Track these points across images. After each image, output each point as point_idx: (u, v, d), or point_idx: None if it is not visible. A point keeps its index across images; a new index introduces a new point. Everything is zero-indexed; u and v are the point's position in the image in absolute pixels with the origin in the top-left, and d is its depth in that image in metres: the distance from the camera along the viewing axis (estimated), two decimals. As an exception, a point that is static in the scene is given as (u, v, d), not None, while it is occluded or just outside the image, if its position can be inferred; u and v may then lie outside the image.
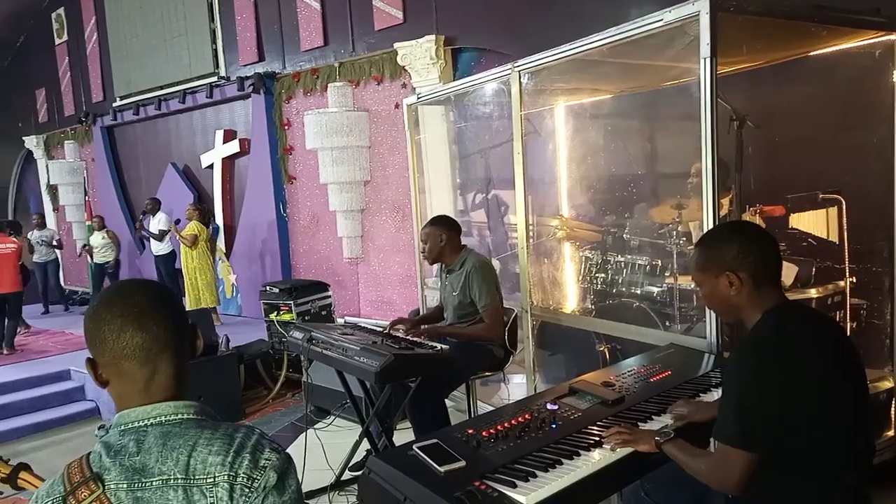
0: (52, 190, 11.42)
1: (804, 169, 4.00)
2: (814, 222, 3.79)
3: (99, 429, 1.20)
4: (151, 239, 8.54)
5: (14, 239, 7.70)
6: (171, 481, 1.10)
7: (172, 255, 8.42)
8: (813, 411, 1.64)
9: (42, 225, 9.66)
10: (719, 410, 1.71)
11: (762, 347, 1.70)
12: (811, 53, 3.71)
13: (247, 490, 1.10)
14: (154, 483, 1.10)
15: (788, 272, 3.60)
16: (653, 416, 2.14)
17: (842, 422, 1.67)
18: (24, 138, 11.89)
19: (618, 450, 1.90)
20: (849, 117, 3.76)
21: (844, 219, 3.66)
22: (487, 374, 3.85)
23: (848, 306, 3.63)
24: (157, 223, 8.56)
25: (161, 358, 1.17)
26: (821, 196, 3.70)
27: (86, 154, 10.88)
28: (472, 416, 3.67)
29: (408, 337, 3.51)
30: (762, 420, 1.62)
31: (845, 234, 3.67)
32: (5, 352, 7.28)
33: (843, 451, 1.67)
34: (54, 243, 9.53)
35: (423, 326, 3.62)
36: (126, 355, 1.15)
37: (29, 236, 9.38)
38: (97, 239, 9.12)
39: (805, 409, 1.64)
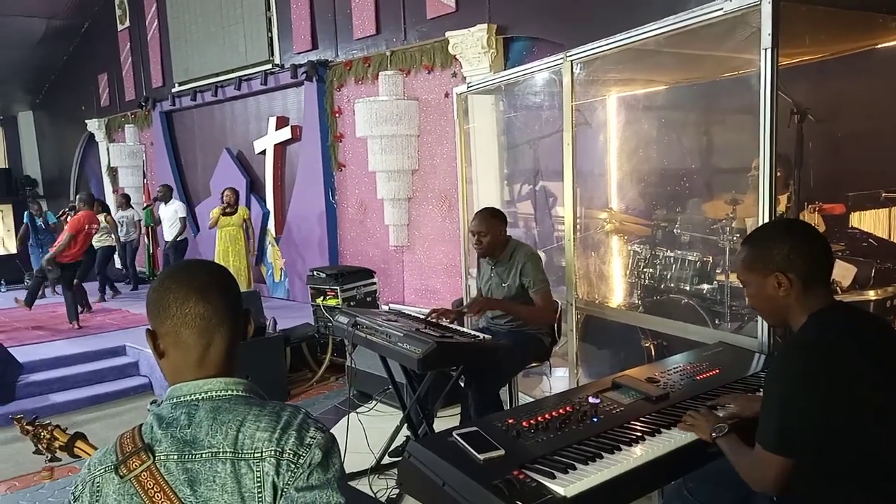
0: (112, 172, 11.81)
1: (867, 166, 3.85)
2: (875, 222, 3.66)
3: (151, 403, 1.24)
4: (163, 225, 8.84)
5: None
6: (220, 454, 1.13)
7: (185, 243, 8.87)
8: (859, 417, 1.59)
9: (126, 205, 9.97)
10: (760, 413, 1.68)
11: (807, 351, 1.65)
12: (878, 46, 3.57)
13: (293, 466, 1.13)
14: (204, 455, 1.13)
15: (847, 273, 3.49)
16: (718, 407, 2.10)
17: (889, 425, 1.61)
18: (86, 121, 12.31)
19: (664, 445, 1.88)
20: (917, 113, 3.61)
21: (908, 219, 3.52)
22: (534, 364, 3.84)
23: (907, 310, 3.49)
24: (171, 210, 8.81)
25: (218, 331, 1.22)
26: (884, 195, 3.58)
27: (145, 138, 11.21)
28: (513, 406, 3.66)
29: (451, 325, 3.53)
30: (804, 426, 1.58)
31: (908, 235, 3.53)
32: (77, 325, 7.50)
33: (891, 455, 1.61)
34: (137, 220, 9.85)
35: (480, 300, 3.58)
36: (187, 323, 1.20)
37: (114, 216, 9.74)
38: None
39: (851, 414, 1.59)
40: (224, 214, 7.77)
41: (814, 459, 1.60)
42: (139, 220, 9.99)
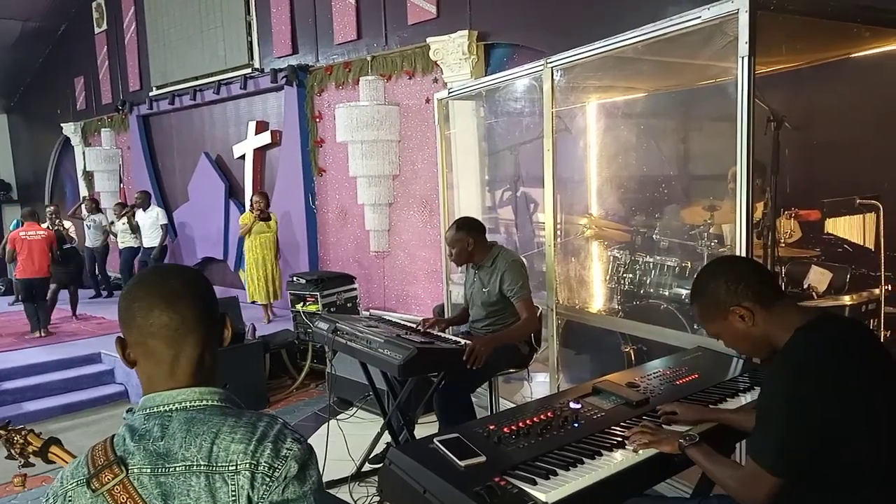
0: (88, 176, 11.64)
1: (842, 173, 3.92)
2: (850, 228, 3.72)
3: (127, 412, 1.21)
4: (142, 232, 8.75)
5: (44, 227, 7.88)
6: (194, 467, 1.11)
7: (165, 250, 8.80)
8: (850, 427, 1.59)
9: (96, 209, 9.82)
10: (755, 430, 1.67)
11: (797, 364, 1.65)
12: (853, 55, 3.63)
13: (268, 479, 1.11)
14: (177, 468, 1.11)
15: (822, 278, 3.54)
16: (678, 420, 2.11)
17: (880, 435, 1.62)
18: (62, 125, 12.12)
19: (640, 451, 1.88)
20: (890, 121, 3.67)
21: (881, 225, 3.58)
22: (512, 371, 3.83)
23: (882, 314, 3.55)
24: (152, 217, 8.70)
25: (186, 341, 1.18)
26: (858, 201, 3.63)
27: (121, 142, 11.07)
28: (494, 412, 3.66)
29: (431, 331, 3.52)
30: (801, 445, 1.58)
31: (882, 240, 3.59)
32: (42, 334, 7.42)
33: (883, 466, 1.62)
34: (104, 225, 9.72)
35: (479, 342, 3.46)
36: (152, 333, 1.17)
37: (83, 218, 9.61)
38: (119, 225, 9.29)
39: (842, 425, 1.59)
40: (262, 219, 7.19)
41: (808, 473, 1.60)
42: (107, 226, 9.86)
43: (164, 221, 8.80)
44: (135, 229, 8.88)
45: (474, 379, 3.49)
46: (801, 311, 1.81)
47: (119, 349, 1.22)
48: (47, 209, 8.85)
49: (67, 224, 9.12)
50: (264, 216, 7.16)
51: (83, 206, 9.81)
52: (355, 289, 6.30)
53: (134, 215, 8.91)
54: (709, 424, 2.06)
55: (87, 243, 9.63)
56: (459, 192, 5.76)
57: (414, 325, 3.64)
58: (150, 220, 8.72)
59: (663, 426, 2.02)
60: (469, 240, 3.62)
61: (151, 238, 8.71)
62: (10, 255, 7.57)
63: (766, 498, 1.59)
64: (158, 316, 1.16)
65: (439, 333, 3.54)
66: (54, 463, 1.98)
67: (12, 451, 2.00)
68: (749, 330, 1.76)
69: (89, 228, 9.61)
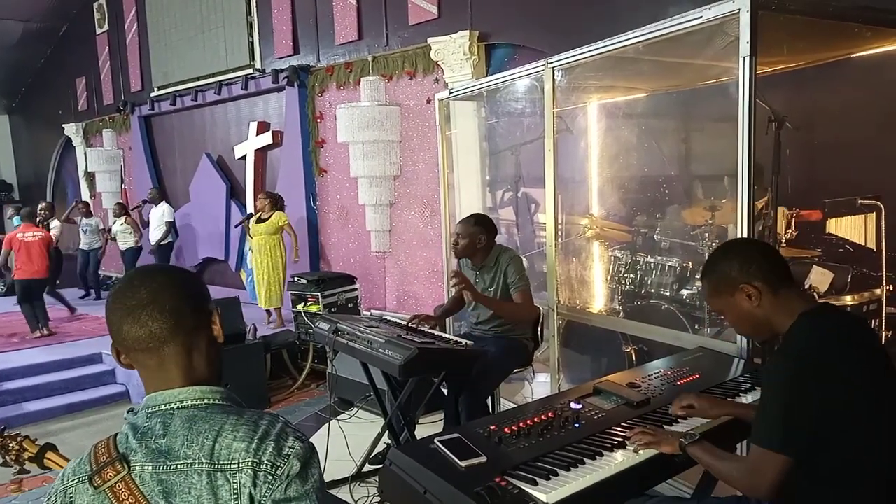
0: (90, 177, 11.65)
1: (843, 173, 3.91)
2: (851, 228, 3.71)
3: (128, 412, 1.21)
4: (150, 227, 8.82)
5: (41, 228, 7.91)
6: (196, 465, 1.11)
7: (170, 246, 8.85)
8: (849, 416, 1.61)
9: (88, 213, 9.84)
10: (757, 415, 1.69)
11: (799, 351, 1.68)
12: (854, 55, 3.63)
13: (270, 477, 1.11)
14: (179, 466, 1.11)
15: (824, 278, 3.53)
16: (678, 420, 2.11)
17: (878, 429, 1.63)
18: (63, 126, 12.14)
19: (641, 451, 1.88)
20: (891, 121, 3.67)
21: (883, 225, 3.58)
22: (517, 370, 3.84)
23: (884, 315, 3.55)
24: (159, 213, 8.73)
25: (164, 349, 1.17)
26: (859, 201, 3.63)
27: (123, 142, 11.08)
28: (495, 412, 3.66)
29: (433, 331, 3.52)
30: (802, 423, 1.59)
31: (883, 241, 3.58)
32: (45, 332, 7.42)
33: (885, 464, 1.63)
34: (101, 228, 9.75)
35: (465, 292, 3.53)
36: (128, 346, 1.18)
37: (76, 220, 9.64)
38: (117, 226, 9.32)
39: (842, 413, 1.60)
40: (257, 221, 6.90)
41: (806, 464, 1.61)
42: (102, 229, 9.85)
43: (170, 219, 8.81)
44: (143, 225, 8.90)
45: (492, 380, 3.51)
46: (805, 298, 1.82)
47: (114, 355, 1.22)
48: (39, 206, 8.84)
49: (54, 224, 9.03)
50: (259, 218, 6.94)
51: (76, 209, 9.81)
52: (356, 289, 6.30)
53: (140, 212, 8.94)
54: (709, 425, 2.06)
55: (82, 245, 9.65)
56: (460, 193, 5.75)
57: (405, 323, 3.65)
58: (157, 216, 8.76)
59: (664, 428, 2.02)
60: (482, 237, 3.64)
61: (155, 233, 8.75)
62: (5, 256, 7.63)
63: (773, 483, 1.60)
64: (128, 331, 1.16)
65: (439, 333, 3.54)
66: (50, 469, 1.97)
67: (7, 458, 1.98)
68: (753, 310, 1.79)
69: (85, 232, 9.62)
